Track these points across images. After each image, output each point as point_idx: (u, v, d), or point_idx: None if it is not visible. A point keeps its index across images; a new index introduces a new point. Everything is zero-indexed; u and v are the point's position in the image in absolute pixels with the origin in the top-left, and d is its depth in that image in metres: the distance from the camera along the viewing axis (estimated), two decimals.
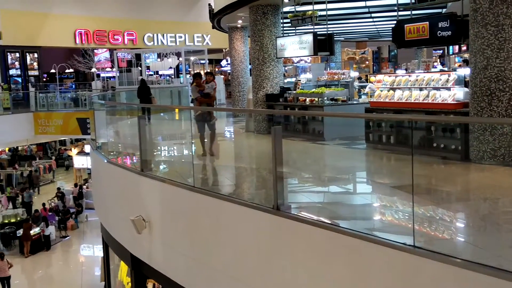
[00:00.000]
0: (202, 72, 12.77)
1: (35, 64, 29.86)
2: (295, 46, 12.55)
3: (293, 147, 9.97)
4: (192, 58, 33.84)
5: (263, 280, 5.26)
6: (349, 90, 12.82)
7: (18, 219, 19.95)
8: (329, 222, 4.77)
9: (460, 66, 14.26)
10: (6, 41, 27.07)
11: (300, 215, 5.00)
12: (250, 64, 17.08)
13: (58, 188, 24.43)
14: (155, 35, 33.67)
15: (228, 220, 5.83)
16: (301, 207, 5.69)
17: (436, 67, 16.42)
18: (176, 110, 15.71)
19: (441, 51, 28.22)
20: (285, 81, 15.23)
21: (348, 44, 31.77)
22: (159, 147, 10.67)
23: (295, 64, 19.51)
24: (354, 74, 17.73)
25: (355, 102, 12.50)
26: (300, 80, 15.22)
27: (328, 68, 18.22)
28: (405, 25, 9.18)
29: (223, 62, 37.27)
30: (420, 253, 3.86)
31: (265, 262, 5.26)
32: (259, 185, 7.21)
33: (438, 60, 24.66)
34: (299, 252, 4.87)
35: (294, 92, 12.84)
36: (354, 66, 26.73)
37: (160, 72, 30.26)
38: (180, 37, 34.61)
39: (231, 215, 5.73)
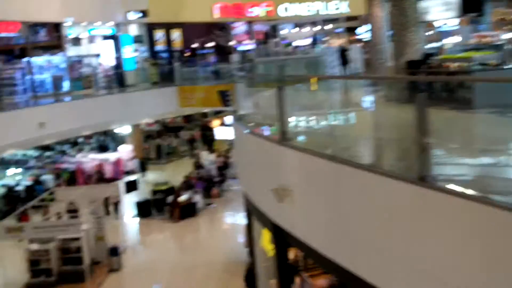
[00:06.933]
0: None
1: (179, 40, 31.59)
2: (439, 8, 11.79)
3: (437, 116, 9.35)
4: (328, 27, 33.36)
5: (407, 252, 5.13)
6: (504, 54, 11.68)
7: (169, 186, 21.52)
8: (480, 195, 4.45)
9: None
10: (153, 18, 28.87)
11: (447, 187, 4.73)
12: (389, 30, 16.37)
13: (198, 158, 25.91)
14: (291, 5, 33.62)
15: (370, 191, 5.72)
16: (447, 179, 5.37)
17: None
18: (313, 80, 15.59)
19: None
20: (428, 46, 14.39)
21: (499, 4, 28.99)
22: (298, 117, 10.71)
23: (438, 28, 18.32)
24: (507, 36, 16.19)
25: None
26: (444, 45, 14.29)
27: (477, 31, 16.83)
28: None
29: (359, 30, 36.25)
30: None
31: (408, 235, 5.11)
32: (401, 156, 6.94)
33: None
34: (446, 226, 4.62)
35: (438, 57, 12.07)
36: (505, 27, 24.38)
37: (295, 43, 30.36)
38: (316, 6, 34.19)
39: (373, 186, 5.61)
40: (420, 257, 4.96)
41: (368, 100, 14.33)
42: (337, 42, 33.70)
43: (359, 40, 34.11)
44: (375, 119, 11.86)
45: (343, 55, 20.32)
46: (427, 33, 16.38)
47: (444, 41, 16.50)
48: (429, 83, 11.71)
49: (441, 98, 11.24)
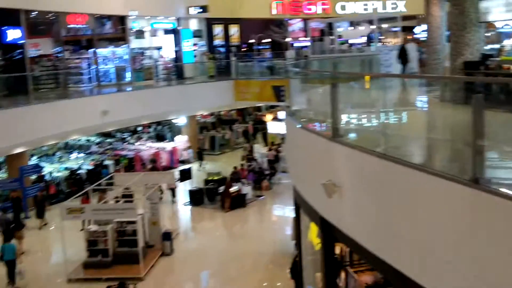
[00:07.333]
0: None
1: (236, 35, 32.11)
2: (501, 8, 11.59)
3: (494, 118, 9.25)
4: (384, 26, 33.02)
5: (456, 254, 5.13)
6: None
7: (221, 176, 22.03)
8: None
9: None
10: (212, 14, 29.50)
11: (501, 190, 4.66)
12: (447, 30, 16.14)
13: (250, 151, 26.32)
14: (347, 3, 33.51)
15: (420, 190, 5.75)
16: (502, 183, 5.24)
17: None
18: (366, 78, 15.63)
19: None
20: (487, 47, 14.13)
21: None
22: (350, 115, 10.82)
23: (498, 29, 17.87)
24: None
25: None
26: (504, 46, 14.01)
27: None
28: None
29: (417, 29, 35.62)
30: None
31: (458, 236, 5.10)
32: (453, 157, 6.94)
33: None
34: (498, 229, 4.59)
35: (498, 59, 11.89)
36: None
37: (350, 41, 30.22)
38: (373, 4, 33.91)
39: (423, 185, 5.63)
40: (470, 260, 4.94)
41: (422, 100, 14.23)
42: (393, 41, 33.27)
43: (416, 39, 33.52)
44: (429, 119, 11.80)
45: (403, 54, 19.96)
46: (486, 34, 15.99)
47: (504, 42, 16.08)
48: (486, 84, 11.55)
49: (497, 100, 11.06)
